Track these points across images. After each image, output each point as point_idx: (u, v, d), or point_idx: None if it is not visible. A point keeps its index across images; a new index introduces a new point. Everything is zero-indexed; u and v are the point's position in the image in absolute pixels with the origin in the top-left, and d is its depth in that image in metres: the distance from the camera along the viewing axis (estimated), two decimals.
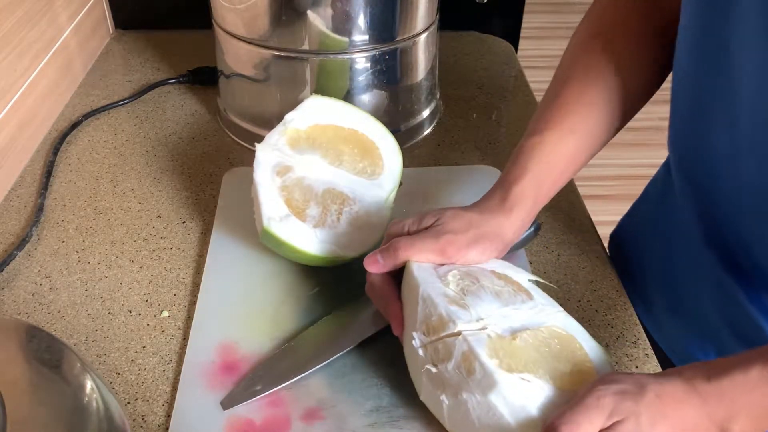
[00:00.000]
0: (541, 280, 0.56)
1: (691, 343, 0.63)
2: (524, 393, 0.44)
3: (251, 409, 0.52)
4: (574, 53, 0.59)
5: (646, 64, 0.58)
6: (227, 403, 0.52)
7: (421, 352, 0.49)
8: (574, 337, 0.49)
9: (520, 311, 0.49)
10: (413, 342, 0.49)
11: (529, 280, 0.54)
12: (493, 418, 0.44)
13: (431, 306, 0.49)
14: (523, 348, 0.46)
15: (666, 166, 0.67)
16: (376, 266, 0.53)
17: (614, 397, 0.41)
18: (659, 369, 0.56)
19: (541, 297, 0.52)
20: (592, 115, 0.57)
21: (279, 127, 0.62)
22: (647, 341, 0.59)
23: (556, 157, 0.56)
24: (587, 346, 0.48)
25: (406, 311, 0.51)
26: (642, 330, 0.60)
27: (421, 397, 0.50)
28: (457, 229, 0.53)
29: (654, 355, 0.57)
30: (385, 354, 0.55)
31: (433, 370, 0.47)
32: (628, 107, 0.58)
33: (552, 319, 0.50)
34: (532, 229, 0.65)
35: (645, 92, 0.59)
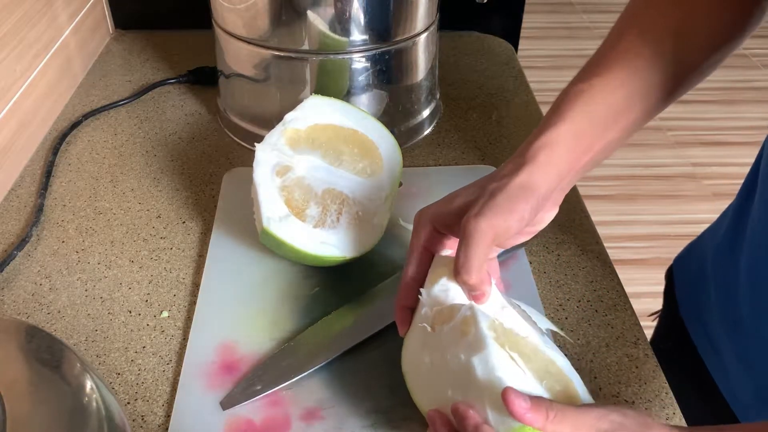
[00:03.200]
0: (560, 332, 0.54)
1: (758, 396, 0.59)
2: (508, 370, 0.42)
3: (251, 409, 0.52)
4: (637, 4, 0.54)
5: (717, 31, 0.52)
6: (227, 403, 0.52)
7: (424, 309, 0.48)
8: (571, 379, 0.46)
9: (534, 334, 0.47)
10: (420, 296, 0.49)
11: (546, 329, 0.52)
12: (467, 380, 0.43)
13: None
14: (524, 345, 0.46)
15: (744, 195, 0.62)
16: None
17: (612, 425, 0.39)
18: (659, 370, 0.56)
19: (551, 345, 0.49)
20: (645, 74, 0.51)
21: (278, 127, 0.62)
22: (647, 341, 0.59)
23: (600, 108, 0.50)
24: (582, 392, 0.45)
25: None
26: (642, 330, 0.59)
27: (403, 367, 0.49)
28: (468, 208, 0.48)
29: (654, 356, 0.57)
30: (385, 354, 0.55)
31: (428, 329, 0.47)
32: (682, 80, 0.53)
33: (559, 359, 0.47)
34: None
35: (705, 65, 0.54)
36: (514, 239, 0.51)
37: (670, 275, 0.74)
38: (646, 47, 0.51)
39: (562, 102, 0.51)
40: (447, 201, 0.51)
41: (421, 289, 0.49)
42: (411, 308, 0.51)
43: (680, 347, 0.67)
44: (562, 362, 0.46)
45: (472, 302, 0.47)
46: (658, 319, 0.76)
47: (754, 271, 0.57)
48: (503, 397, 0.39)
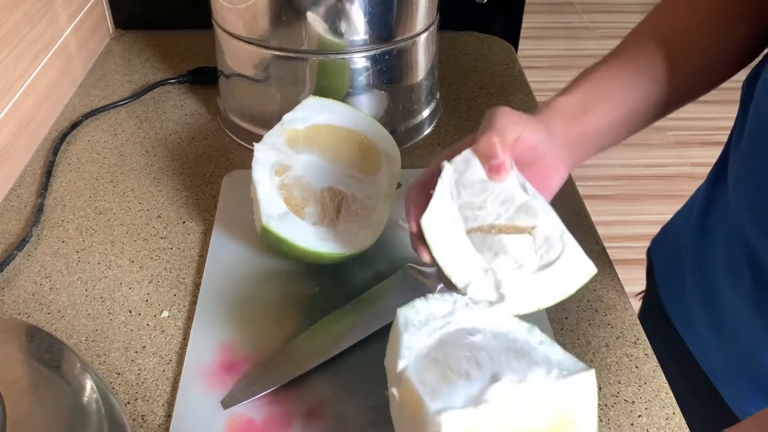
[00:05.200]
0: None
1: (730, 365, 0.62)
2: None
3: (252, 408, 0.52)
4: (647, 19, 0.59)
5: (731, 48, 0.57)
6: (228, 402, 0.52)
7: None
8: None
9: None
10: (442, 167, 0.48)
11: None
12: None
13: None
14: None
15: (713, 178, 0.66)
16: None
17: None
18: (659, 370, 0.56)
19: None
20: (653, 71, 0.55)
21: (277, 128, 0.63)
22: (647, 341, 0.59)
23: (611, 83, 0.55)
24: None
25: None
26: (642, 330, 0.60)
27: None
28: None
29: (654, 356, 0.57)
30: (385, 352, 0.55)
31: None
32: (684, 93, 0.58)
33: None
34: None
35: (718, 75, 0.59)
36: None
37: (650, 256, 0.76)
38: (655, 55, 0.55)
39: (573, 81, 0.55)
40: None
41: (444, 162, 0.48)
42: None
43: (661, 325, 0.69)
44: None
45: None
46: (642, 298, 0.79)
47: (728, 249, 0.60)
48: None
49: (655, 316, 0.71)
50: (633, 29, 0.58)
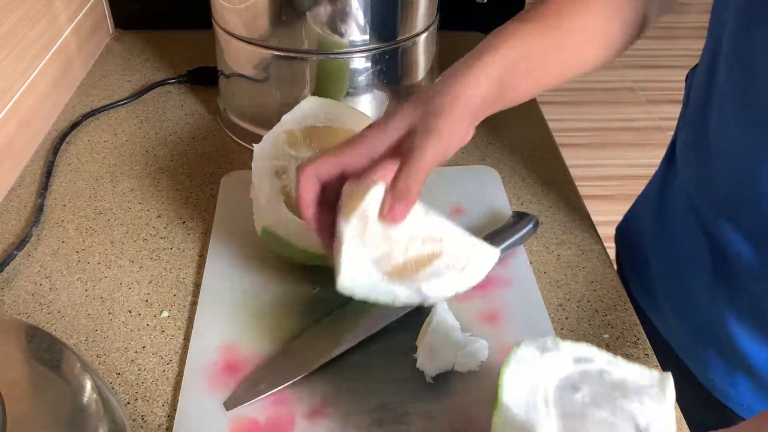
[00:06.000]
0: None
1: (694, 338, 0.64)
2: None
3: (255, 409, 0.52)
4: None
5: None
6: (231, 404, 0.52)
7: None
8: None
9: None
10: (341, 227, 0.47)
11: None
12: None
13: None
14: None
15: (667, 159, 0.68)
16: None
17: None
18: (659, 370, 0.56)
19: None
20: (585, 21, 0.54)
21: (276, 128, 0.63)
22: (647, 341, 0.59)
23: (532, 48, 0.52)
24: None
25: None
26: (642, 330, 0.60)
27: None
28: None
29: (654, 356, 0.57)
30: (388, 351, 0.55)
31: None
32: (626, 33, 0.57)
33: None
34: (531, 225, 0.65)
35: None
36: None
37: (617, 243, 0.79)
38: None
39: (496, 33, 0.54)
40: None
41: (346, 221, 0.46)
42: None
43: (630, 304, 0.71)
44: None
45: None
46: None
47: (685, 226, 0.63)
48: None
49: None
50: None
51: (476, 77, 0.50)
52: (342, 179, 0.49)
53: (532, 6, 0.57)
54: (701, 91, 0.58)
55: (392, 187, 0.46)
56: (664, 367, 0.62)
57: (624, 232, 0.77)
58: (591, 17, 0.54)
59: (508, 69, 0.51)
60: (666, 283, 0.67)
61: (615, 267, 0.68)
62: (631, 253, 0.74)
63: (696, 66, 0.63)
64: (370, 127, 0.49)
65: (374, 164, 0.48)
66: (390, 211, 0.46)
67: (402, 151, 0.47)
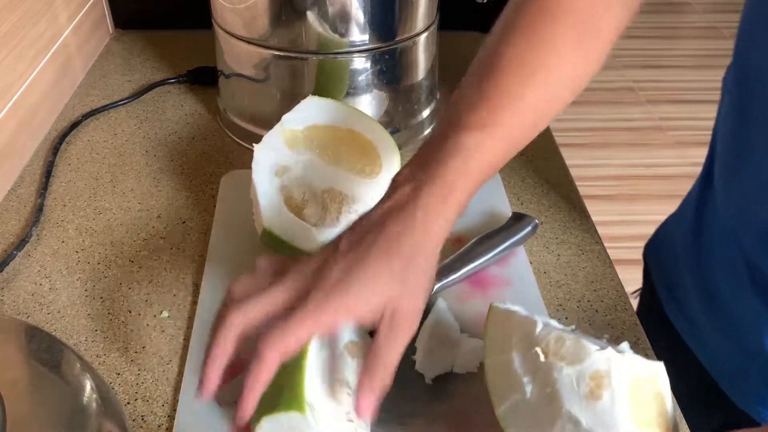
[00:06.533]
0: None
1: (740, 366, 0.61)
2: None
3: None
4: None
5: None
6: (223, 400, 0.52)
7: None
8: None
9: None
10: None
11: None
12: None
13: None
14: None
15: (702, 179, 0.65)
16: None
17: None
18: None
19: None
20: (539, 101, 0.48)
21: (276, 128, 0.63)
22: (647, 341, 0.59)
23: (502, 154, 0.47)
24: None
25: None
26: (642, 330, 0.59)
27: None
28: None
29: (654, 356, 0.57)
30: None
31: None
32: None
33: None
34: (530, 227, 0.65)
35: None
36: None
37: (646, 259, 0.76)
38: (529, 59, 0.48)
39: (457, 154, 0.45)
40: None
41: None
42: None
43: (660, 326, 0.69)
44: None
45: None
46: (639, 297, 0.79)
47: (725, 251, 0.59)
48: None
49: (652, 317, 0.71)
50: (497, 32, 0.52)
51: (444, 221, 0.44)
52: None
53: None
54: (733, 123, 0.54)
55: (361, 384, 0.41)
56: (697, 394, 0.61)
57: (655, 251, 0.74)
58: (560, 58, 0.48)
59: (478, 183, 0.46)
60: (706, 309, 0.63)
61: (642, 282, 0.67)
62: (665, 273, 0.71)
63: (729, 66, 0.58)
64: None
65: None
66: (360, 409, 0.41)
67: None
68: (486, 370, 0.47)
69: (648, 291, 0.75)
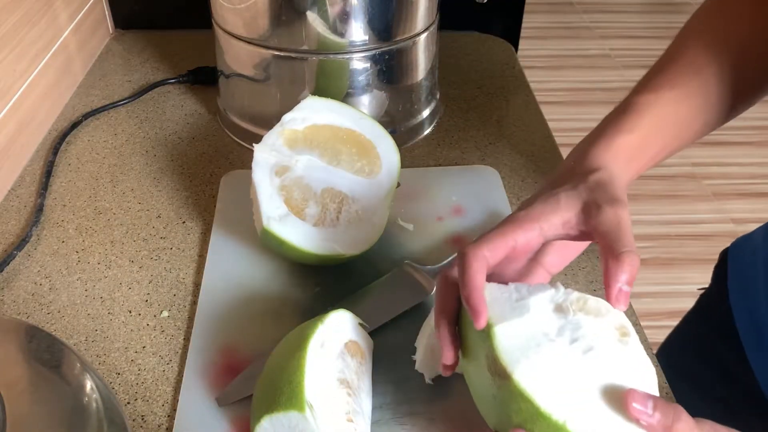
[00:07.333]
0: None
1: None
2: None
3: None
4: (701, 18, 0.55)
5: None
6: (222, 400, 0.52)
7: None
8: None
9: None
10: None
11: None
12: None
13: None
14: None
15: None
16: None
17: None
18: (659, 369, 0.56)
19: None
20: (711, 89, 0.51)
21: (276, 128, 0.63)
22: (647, 341, 0.58)
23: (670, 119, 0.50)
24: None
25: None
26: (642, 330, 0.59)
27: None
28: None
29: (654, 355, 0.57)
30: (387, 352, 0.55)
31: None
32: (744, 97, 0.54)
33: None
34: None
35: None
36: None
37: (724, 258, 0.72)
38: (713, 61, 0.51)
39: (629, 110, 0.49)
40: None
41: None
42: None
43: (720, 330, 0.67)
44: None
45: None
46: (699, 297, 0.76)
47: None
48: (627, 400, 0.38)
49: (714, 321, 0.68)
50: (684, 33, 0.54)
51: (609, 160, 0.47)
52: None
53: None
54: None
55: (612, 276, 0.42)
56: (742, 406, 0.60)
57: (736, 260, 0.70)
58: (711, 81, 0.52)
59: (639, 149, 0.49)
60: None
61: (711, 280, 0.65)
62: (742, 280, 0.68)
63: None
64: (534, 205, 0.45)
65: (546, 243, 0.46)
66: (618, 302, 0.42)
67: (583, 227, 0.44)
68: (494, 336, 0.42)
69: (717, 294, 0.71)
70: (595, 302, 0.44)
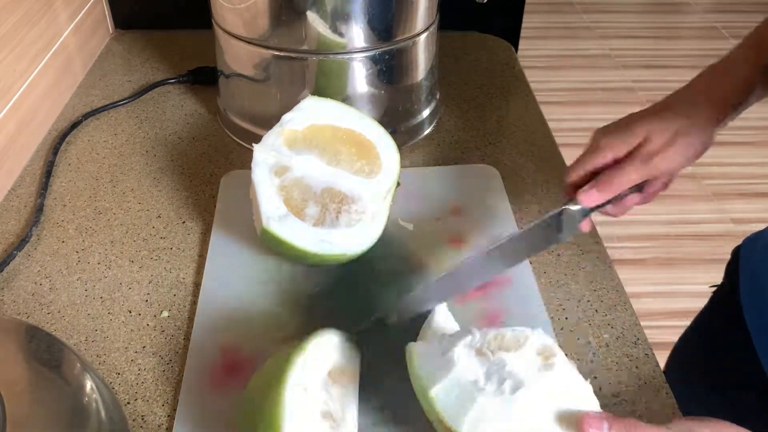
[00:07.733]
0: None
1: None
2: None
3: None
4: None
5: None
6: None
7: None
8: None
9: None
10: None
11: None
12: None
13: None
14: None
15: None
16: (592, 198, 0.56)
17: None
18: (659, 369, 0.56)
19: None
20: None
21: (276, 128, 0.63)
22: (647, 341, 0.59)
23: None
24: None
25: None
26: (642, 330, 0.59)
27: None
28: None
29: (654, 356, 0.57)
30: (388, 352, 0.55)
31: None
32: None
33: None
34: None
35: None
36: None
37: (737, 255, 0.72)
38: None
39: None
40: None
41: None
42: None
43: (732, 328, 0.67)
44: None
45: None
46: (711, 295, 0.76)
47: None
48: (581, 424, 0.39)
49: (725, 320, 0.68)
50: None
51: (723, 77, 0.56)
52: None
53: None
54: None
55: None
56: (754, 399, 0.60)
57: (748, 257, 0.71)
58: None
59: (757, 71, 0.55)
60: None
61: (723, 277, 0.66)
62: (754, 275, 0.68)
63: None
64: (608, 136, 0.56)
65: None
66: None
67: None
68: (433, 400, 0.44)
69: (729, 292, 0.71)
70: (512, 334, 0.46)
